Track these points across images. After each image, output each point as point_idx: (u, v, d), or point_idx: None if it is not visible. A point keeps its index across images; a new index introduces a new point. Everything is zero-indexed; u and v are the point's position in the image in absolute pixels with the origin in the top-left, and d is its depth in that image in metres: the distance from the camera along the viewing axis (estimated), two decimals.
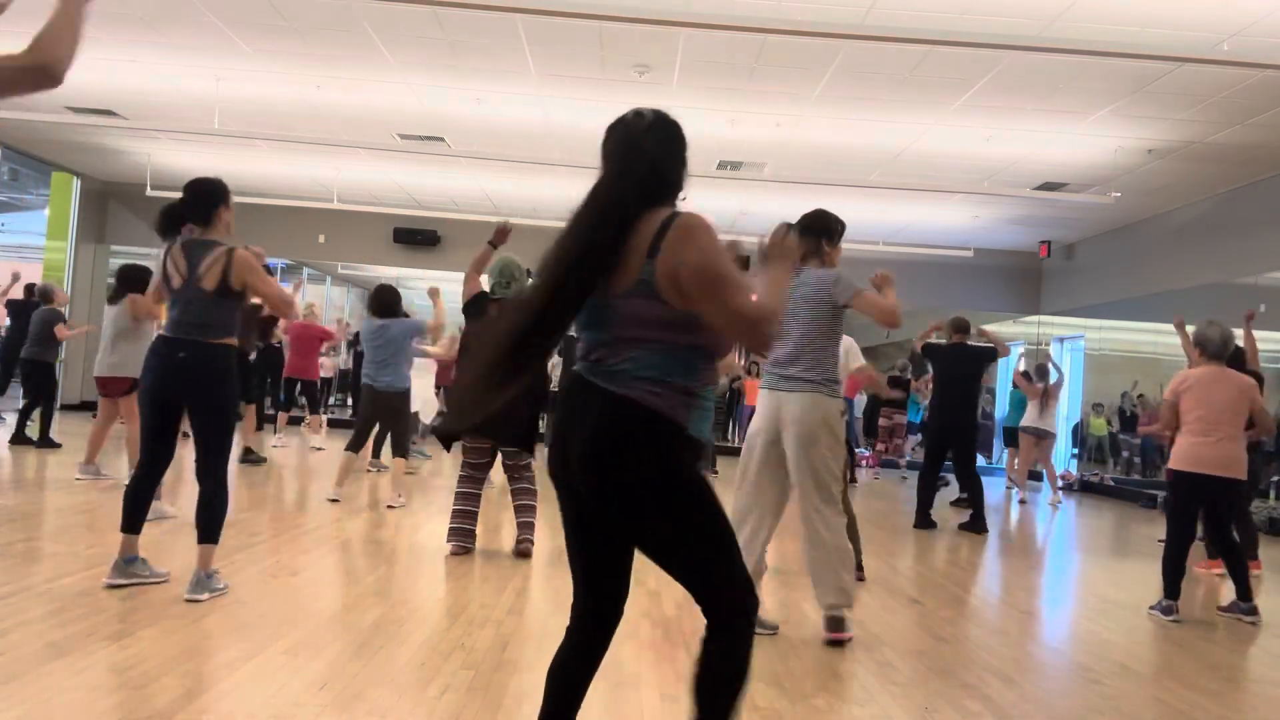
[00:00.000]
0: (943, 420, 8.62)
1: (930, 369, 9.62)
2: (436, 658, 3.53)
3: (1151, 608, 5.31)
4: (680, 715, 3.11)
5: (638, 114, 2.24)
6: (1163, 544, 5.40)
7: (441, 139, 11.25)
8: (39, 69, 2.00)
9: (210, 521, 4.15)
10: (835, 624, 4.17)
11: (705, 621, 2.12)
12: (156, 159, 13.42)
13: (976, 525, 8.20)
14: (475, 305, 5.58)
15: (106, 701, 2.86)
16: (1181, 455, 5.27)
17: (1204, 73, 7.70)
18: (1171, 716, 3.52)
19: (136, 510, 4.20)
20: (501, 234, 5.55)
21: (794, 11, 6.93)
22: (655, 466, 2.10)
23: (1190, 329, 5.83)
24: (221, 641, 3.55)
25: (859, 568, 5.42)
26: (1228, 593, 5.74)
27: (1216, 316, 5.54)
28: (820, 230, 4.35)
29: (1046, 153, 10.26)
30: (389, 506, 7.15)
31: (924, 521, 8.30)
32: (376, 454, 9.84)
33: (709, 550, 2.12)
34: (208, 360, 4.14)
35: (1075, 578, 6.72)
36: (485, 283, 5.78)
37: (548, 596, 4.66)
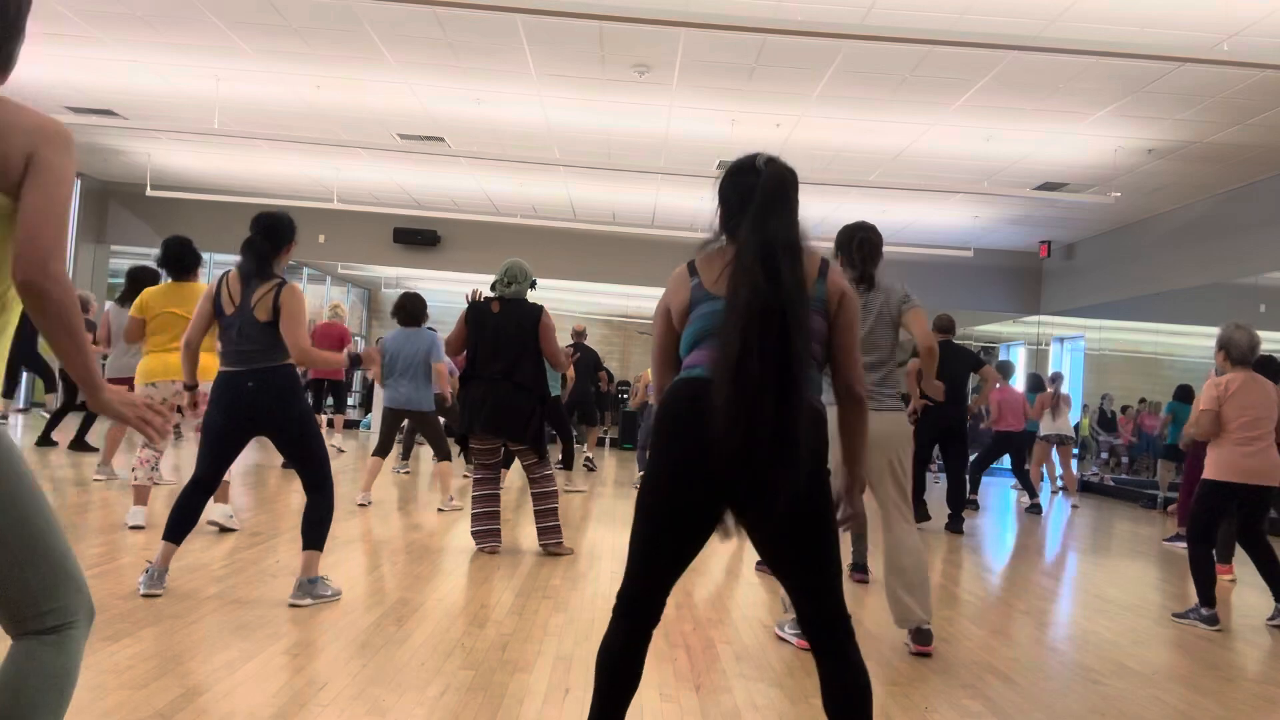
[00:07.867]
0: (934, 419, 8.60)
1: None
2: (436, 658, 3.53)
3: (1181, 616, 5.16)
4: (679, 715, 3.11)
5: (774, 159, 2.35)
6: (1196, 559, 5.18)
7: (441, 139, 11.25)
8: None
9: (319, 527, 4.22)
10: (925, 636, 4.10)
11: (827, 631, 2.18)
12: (156, 159, 13.42)
13: (956, 524, 8.25)
14: (476, 311, 5.65)
15: (106, 701, 2.86)
16: (1223, 465, 5.11)
17: (1204, 73, 7.70)
18: (1171, 716, 3.52)
19: (185, 522, 4.22)
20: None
21: (794, 11, 6.94)
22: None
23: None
24: (221, 641, 3.55)
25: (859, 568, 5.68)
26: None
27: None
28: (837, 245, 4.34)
29: (1046, 153, 10.26)
30: (440, 510, 7.26)
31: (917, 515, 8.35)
32: (406, 455, 9.95)
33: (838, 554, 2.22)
34: (275, 383, 4.21)
35: (1075, 578, 6.72)
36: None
37: (548, 596, 4.65)
